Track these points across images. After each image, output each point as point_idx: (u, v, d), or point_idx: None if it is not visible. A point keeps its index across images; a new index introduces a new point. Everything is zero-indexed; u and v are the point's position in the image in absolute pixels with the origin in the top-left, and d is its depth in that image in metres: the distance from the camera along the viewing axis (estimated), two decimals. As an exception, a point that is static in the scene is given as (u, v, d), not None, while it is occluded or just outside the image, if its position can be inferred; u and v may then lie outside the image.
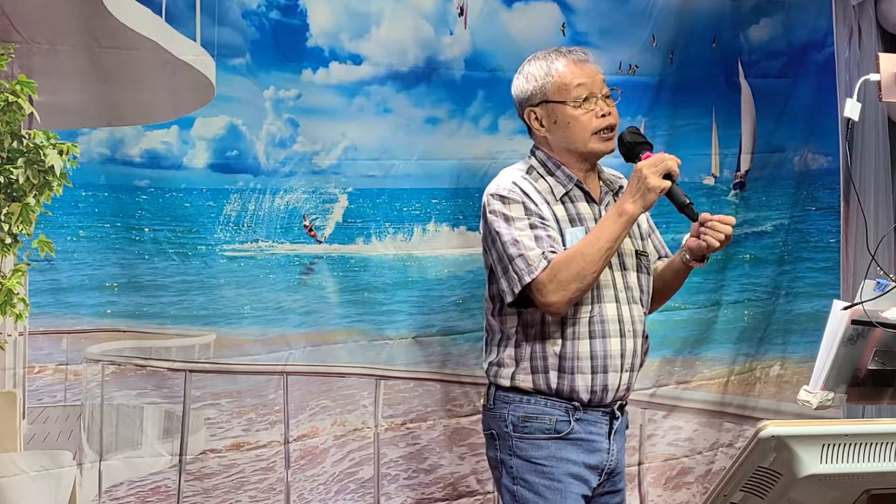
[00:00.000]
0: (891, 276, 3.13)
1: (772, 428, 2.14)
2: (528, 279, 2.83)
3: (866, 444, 2.17)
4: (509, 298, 2.89)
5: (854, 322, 3.00)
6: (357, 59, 3.84)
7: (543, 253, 2.84)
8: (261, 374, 3.73)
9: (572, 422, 2.92)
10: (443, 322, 4.03)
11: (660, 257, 3.18)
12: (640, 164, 2.86)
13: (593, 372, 2.91)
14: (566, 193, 2.96)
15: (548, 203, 2.92)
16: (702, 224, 2.97)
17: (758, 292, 4.80)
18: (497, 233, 2.89)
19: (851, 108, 3.40)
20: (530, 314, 2.93)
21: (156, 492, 3.55)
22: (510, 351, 2.97)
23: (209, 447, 3.63)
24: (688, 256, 3.04)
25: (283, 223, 3.77)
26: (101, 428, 3.46)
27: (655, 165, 2.83)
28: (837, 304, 3.07)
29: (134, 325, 3.51)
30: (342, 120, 3.83)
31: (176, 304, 3.56)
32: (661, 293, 3.15)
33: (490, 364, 3.02)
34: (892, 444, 2.18)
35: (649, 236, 3.14)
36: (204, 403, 3.63)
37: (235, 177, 3.66)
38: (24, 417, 3.34)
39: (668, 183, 2.84)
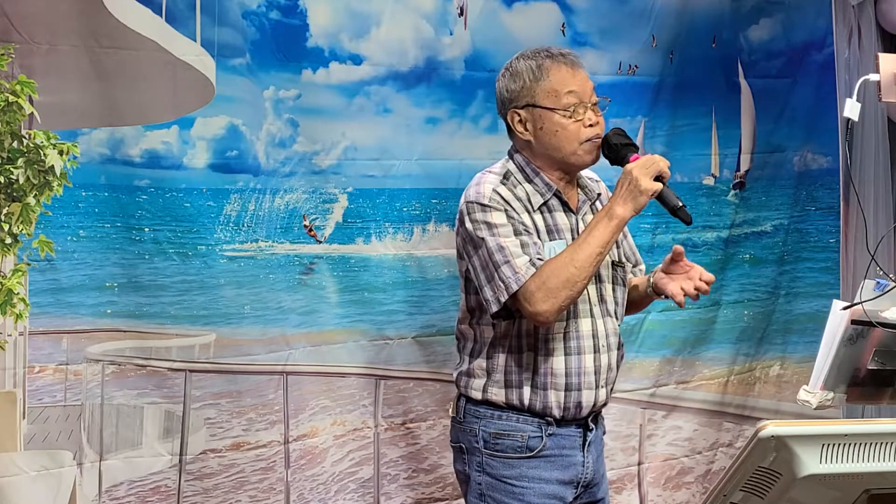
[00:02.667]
0: (890, 276, 3.13)
1: (771, 428, 2.14)
2: (515, 287, 2.69)
3: (866, 444, 2.17)
4: (494, 308, 2.75)
5: (854, 322, 3.00)
6: (357, 59, 3.84)
7: (531, 260, 2.72)
8: (261, 374, 3.73)
9: (545, 437, 2.82)
10: (443, 322, 4.03)
11: (634, 265, 3.10)
12: (629, 165, 2.73)
13: (567, 389, 2.81)
14: (544, 203, 2.84)
15: (528, 212, 2.80)
16: (674, 259, 2.86)
17: (758, 292, 4.80)
18: (481, 239, 2.75)
19: (851, 108, 3.40)
20: (505, 325, 2.82)
21: (156, 492, 3.56)
22: (481, 362, 2.85)
23: (209, 447, 3.63)
24: (651, 290, 2.95)
25: (283, 223, 3.77)
26: (101, 428, 3.47)
27: (646, 167, 2.70)
28: (837, 304, 3.07)
29: (134, 325, 3.51)
30: (342, 120, 3.83)
31: (176, 304, 3.56)
32: (626, 309, 3.05)
33: (460, 374, 2.90)
34: (892, 444, 2.18)
35: (623, 241, 3.05)
36: (204, 403, 3.63)
37: (235, 177, 3.66)
38: (24, 417, 3.34)
39: (659, 185, 2.71)
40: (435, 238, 4.03)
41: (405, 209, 3.99)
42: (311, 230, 3.83)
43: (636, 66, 4.38)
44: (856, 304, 2.98)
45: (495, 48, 4.06)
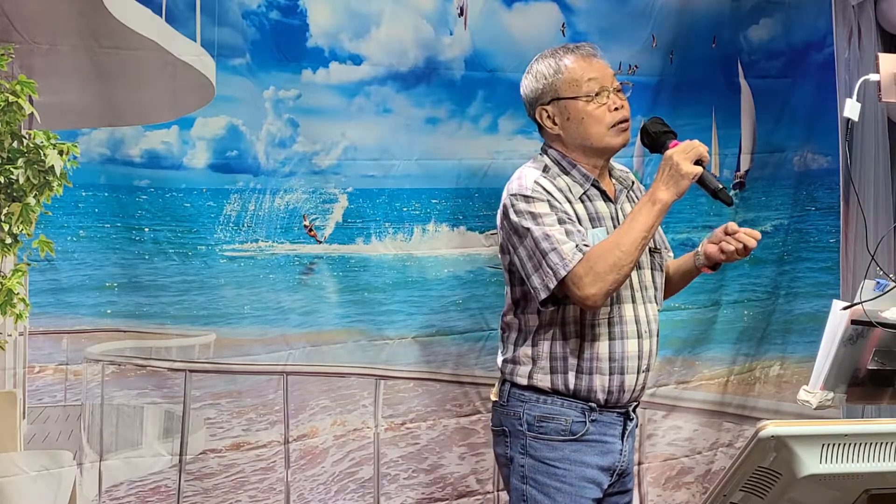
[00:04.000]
0: (890, 276, 3.13)
1: (771, 428, 2.14)
2: (563, 272, 2.76)
3: (866, 444, 2.17)
4: (543, 295, 2.81)
5: (854, 322, 2.99)
6: (357, 59, 3.84)
7: (577, 246, 2.79)
8: (261, 374, 3.73)
9: (588, 423, 2.89)
10: (443, 322, 4.03)
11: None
12: (669, 151, 2.81)
13: (611, 373, 2.88)
14: (584, 193, 2.91)
15: (569, 201, 2.88)
16: (728, 233, 2.96)
17: (758, 292, 4.80)
18: (527, 229, 2.82)
19: (851, 108, 3.40)
20: (550, 313, 2.89)
21: (156, 492, 3.56)
22: (527, 349, 2.92)
23: (209, 447, 3.63)
24: (702, 260, 3.03)
25: (283, 223, 3.77)
26: (101, 428, 3.46)
27: (686, 152, 2.79)
28: (837, 304, 3.07)
29: (134, 325, 3.51)
30: (342, 120, 3.83)
31: (176, 304, 3.56)
32: (666, 292, 3.14)
33: (505, 361, 2.98)
34: (892, 444, 2.18)
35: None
36: (204, 403, 3.63)
37: (235, 177, 3.66)
38: (24, 417, 3.34)
39: (699, 169, 2.80)
40: (435, 238, 4.03)
41: (405, 209, 3.99)
42: (311, 230, 3.83)
43: (636, 66, 4.38)
44: (856, 304, 2.97)
45: (495, 48, 4.06)
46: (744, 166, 4.75)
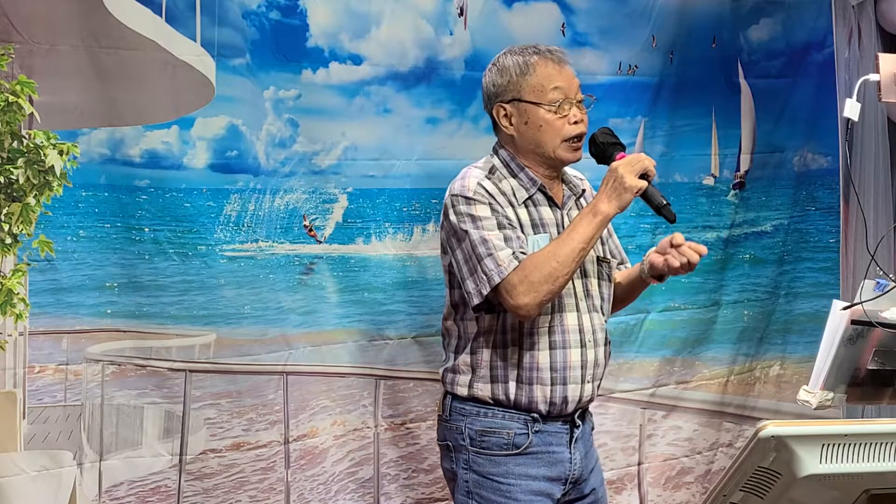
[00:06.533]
0: (890, 276, 3.13)
1: (771, 428, 2.14)
2: (497, 279, 2.70)
3: (866, 444, 2.17)
4: (476, 301, 2.75)
5: (854, 322, 2.99)
6: (357, 60, 3.84)
7: (514, 253, 2.73)
8: (261, 374, 3.73)
9: (531, 435, 2.82)
10: (442, 322, 4.03)
11: (619, 263, 3.10)
12: (615, 163, 2.75)
13: (553, 383, 2.81)
14: (529, 197, 2.85)
15: (512, 206, 2.82)
16: (673, 245, 2.87)
17: (757, 292, 4.81)
18: (465, 232, 2.76)
19: (851, 108, 3.40)
20: (489, 320, 2.83)
21: (156, 492, 3.56)
22: (466, 357, 2.86)
23: (209, 447, 3.63)
24: (647, 272, 2.95)
25: (283, 223, 3.77)
26: (101, 428, 3.47)
27: (632, 165, 2.72)
28: (837, 304, 3.07)
29: (134, 325, 3.51)
30: (342, 120, 3.83)
31: (176, 304, 3.57)
32: (615, 304, 3.05)
33: (446, 371, 2.91)
34: (892, 444, 2.18)
35: (609, 239, 3.05)
36: (204, 403, 3.63)
37: (235, 177, 3.66)
38: (24, 417, 3.34)
39: (644, 183, 2.73)
40: (435, 238, 4.02)
41: (405, 209, 3.99)
42: (311, 230, 3.83)
43: (636, 66, 4.38)
44: (856, 304, 2.97)
45: (495, 48, 4.01)
46: (744, 166, 4.75)
